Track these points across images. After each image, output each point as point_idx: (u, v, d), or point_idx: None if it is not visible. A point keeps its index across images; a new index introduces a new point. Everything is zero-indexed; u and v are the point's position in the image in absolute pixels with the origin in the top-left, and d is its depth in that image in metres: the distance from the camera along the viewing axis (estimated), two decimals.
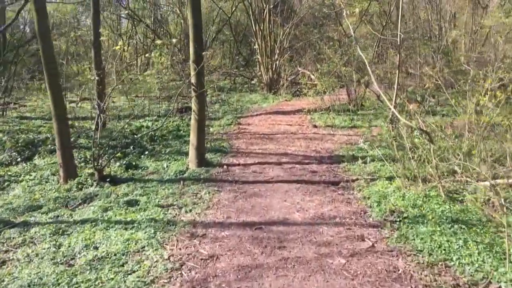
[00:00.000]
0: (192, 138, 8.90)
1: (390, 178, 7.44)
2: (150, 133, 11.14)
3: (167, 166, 9.02)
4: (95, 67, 12.21)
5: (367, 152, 9.23)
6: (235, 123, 13.66)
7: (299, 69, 22.89)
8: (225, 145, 10.66)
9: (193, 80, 8.81)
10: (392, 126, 7.91)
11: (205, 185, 7.66)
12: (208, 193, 7.19)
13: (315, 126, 13.02)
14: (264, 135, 11.87)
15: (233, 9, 23.70)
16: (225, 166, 8.82)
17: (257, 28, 21.32)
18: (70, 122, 13.84)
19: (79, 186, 7.79)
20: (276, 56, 21.26)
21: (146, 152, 10.09)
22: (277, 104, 17.85)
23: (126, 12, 24.58)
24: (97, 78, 11.99)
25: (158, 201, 6.86)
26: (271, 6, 21.48)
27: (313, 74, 22.53)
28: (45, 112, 16.77)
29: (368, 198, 6.73)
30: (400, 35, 7.78)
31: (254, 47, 22.82)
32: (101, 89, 12.02)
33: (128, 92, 19.85)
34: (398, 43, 7.91)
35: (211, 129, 12.98)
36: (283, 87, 20.50)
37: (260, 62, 21.83)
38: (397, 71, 7.98)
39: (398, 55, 7.98)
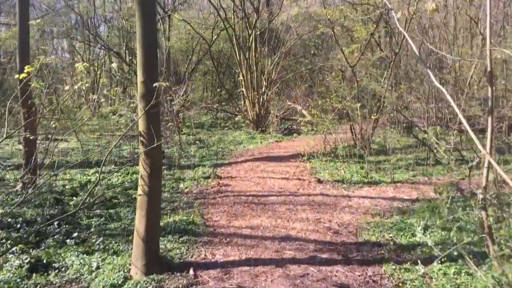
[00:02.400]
0: (138, 223, 5.16)
1: None
2: (87, 199, 7.37)
3: (97, 267, 5.26)
4: (21, 101, 8.48)
5: (419, 236, 5.60)
6: (214, 176, 9.97)
7: (289, 103, 19.48)
8: (197, 219, 6.91)
9: (141, 126, 5.16)
10: (484, 208, 4.37)
11: None
12: None
13: (319, 181, 9.41)
14: (253, 198, 8.19)
15: (215, 37, 20.30)
16: (191, 271, 5.04)
17: (241, 57, 17.87)
18: None
19: None
20: (263, 89, 17.79)
21: (75, 234, 6.32)
22: (266, 146, 14.24)
23: (95, 40, 21.00)
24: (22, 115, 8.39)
25: None
26: (258, 33, 18.11)
27: (305, 110, 19.20)
28: None
29: None
30: (490, 50, 4.30)
31: (239, 78, 19.36)
32: (31, 129, 8.37)
33: (87, 130, 16.19)
34: (489, 68, 4.36)
35: (181, 186, 9.28)
36: (273, 125, 16.95)
37: (245, 95, 18.32)
38: (490, 111, 4.38)
39: (490, 86, 4.39)
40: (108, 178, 9.39)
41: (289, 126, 18.36)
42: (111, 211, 7.44)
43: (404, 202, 7.74)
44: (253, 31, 17.76)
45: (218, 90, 23.46)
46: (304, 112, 19.32)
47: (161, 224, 6.55)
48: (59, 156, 12.44)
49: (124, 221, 6.90)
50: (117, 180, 9.45)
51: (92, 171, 10.27)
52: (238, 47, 17.95)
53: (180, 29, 21.81)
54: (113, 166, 10.73)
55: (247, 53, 17.81)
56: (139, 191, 5.16)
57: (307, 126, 12.47)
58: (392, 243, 5.80)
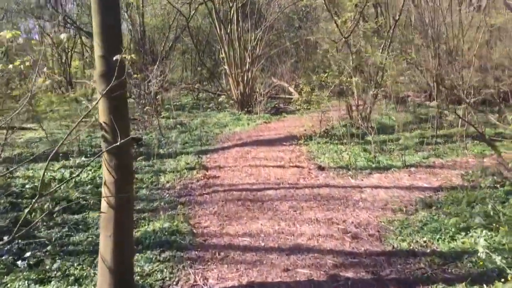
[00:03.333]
0: (104, 248, 3.79)
1: None
2: (44, 206, 5.97)
3: None
4: None
5: (481, 251, 4.35)
6: (199, 166, 8.61)
7: (275, 80, 18.10)
8: (182, 225, 5.58)
9: (102, 115, 3.77)
10: None
11: None
12: None
13: (321, 168, 8.15)
14: (247, 193, 6.87)
15: (193, 12, 18.67)
16: None
17: (223, 32, 16.34)
18: None
19: None
20: (247, 66, 16.31)
21: (29, 253, 4.94)
22: (254, 128, 12.89)
23: (61, 18, 19.14)
24: None
25: None
26: (239, 5, 16.55)
27: (292, 87, 17.89)
28: None
29: None
30: None
31: (220, 56, 17.83)
32: None
33: (56, 117, 14.65)
34: None
35: (161, 179, 7.92)
36: (260, 105, 15.56)
37: (228, 73, 16.83)
38: None
39: None
40: (77, 174, 7.95)
41: (276, 105, 17.01)
42: (77, 216, 6.05)
43: (425, 191, 6.52)
44: (234, 3, 16.20)
45: (199, 69, 21.86)
46: (291, 89, 18.02)
47: (138, 234, 5.24)
48: (24, 147, 10.97)
49: (92, 231, 5.54)
50: (87, 176, 8.02)
51: (58, 165, 8.82)
52: (219, 21, 16.39)
53: (154, 5, 20.09)
54: (83, 159, 9.33)
55: (229, 26, 16.28)
56: (103, 205, 3.80)
57: (302, 105, 11.06)
58: (429, 250, 4.57)
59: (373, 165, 8.09)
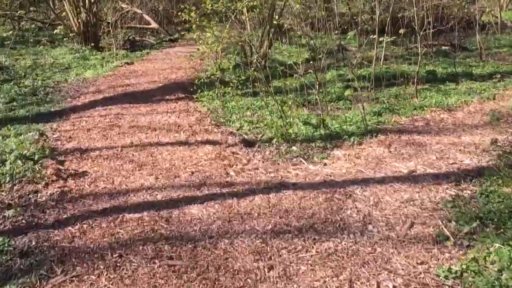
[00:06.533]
0: None
1: None
2: None
3: None
4: None
5: None
6: (45, 152, 4.85)
7: (124, 6, 13.92)
8: None
9: None
10: None
11: None
12: None
13: (248, 143, 5.11)
14: (155, 220, 3.49)
15: None
16: None
17: None
18: None
19: None
20: None
21: None
22: (113, 73, 9.00)
23: None
24: None
25: None
26: None
27: (146, 14, 14.04)
28: None
29: None
30: None
31: None
32: None
33: None
34: None
35: None
36: (115, 39, 11.45)
37: None
38: None
39: None
40: None
41: (131, 38, 13.05)
42: None
43: (441, 185, 3.95)
44: None
45: None
46: (147, 17, 14.16)
47: None
48: None
49: None
50: None
51: None
52: None
53: None
54: None
55: None
56: None
57: (199, 39, 7.42)
58: None
59: (322, 132, 5.30)
